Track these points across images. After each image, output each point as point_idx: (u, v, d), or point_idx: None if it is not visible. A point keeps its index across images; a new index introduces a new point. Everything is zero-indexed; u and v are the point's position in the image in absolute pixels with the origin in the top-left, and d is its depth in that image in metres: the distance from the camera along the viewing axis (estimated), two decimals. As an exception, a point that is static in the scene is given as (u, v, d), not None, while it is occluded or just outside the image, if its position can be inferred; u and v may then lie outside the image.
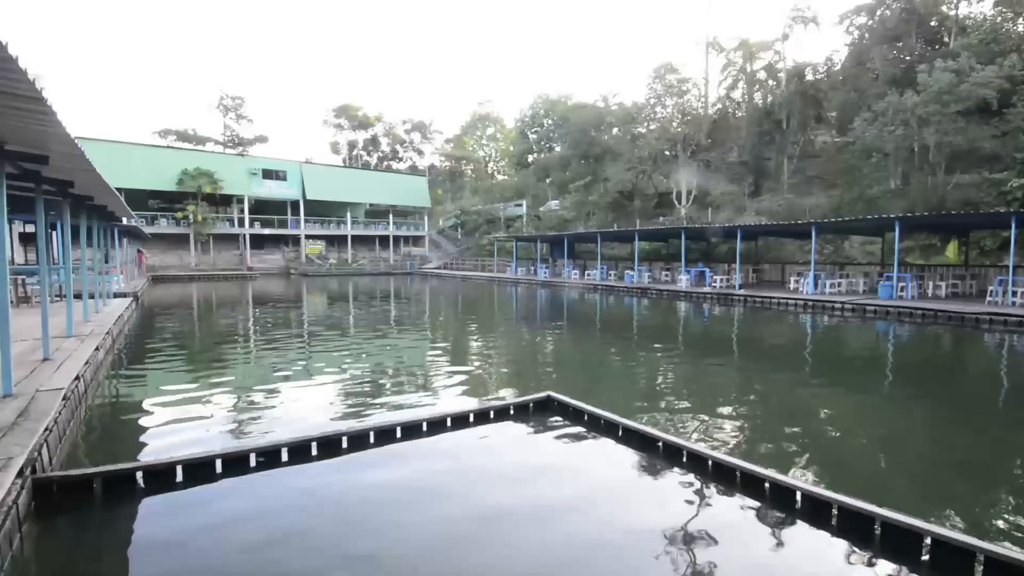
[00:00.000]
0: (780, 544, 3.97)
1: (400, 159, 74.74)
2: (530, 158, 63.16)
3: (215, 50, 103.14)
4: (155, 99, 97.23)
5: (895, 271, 18.96)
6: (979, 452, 6.07)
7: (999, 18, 32.47)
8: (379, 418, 6.68)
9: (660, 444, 5.50)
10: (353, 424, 6.31)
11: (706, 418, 7.06)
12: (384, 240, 52.67)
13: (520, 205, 54.61)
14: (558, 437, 6.18)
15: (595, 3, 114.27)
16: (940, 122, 24.92)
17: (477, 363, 11.28)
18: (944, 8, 35.01)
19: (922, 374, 10.38)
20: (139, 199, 40.12)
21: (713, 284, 24.24)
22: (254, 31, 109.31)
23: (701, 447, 5.29)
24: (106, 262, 18.88)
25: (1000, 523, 4.35)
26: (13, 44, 3.52)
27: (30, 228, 26.66)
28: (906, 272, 20.52)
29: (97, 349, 9.06)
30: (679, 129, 42.49)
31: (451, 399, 7.83)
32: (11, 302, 8.88)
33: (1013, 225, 16.00)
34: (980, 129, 25.92)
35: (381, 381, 9.30)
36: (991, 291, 16.95)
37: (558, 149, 58.29)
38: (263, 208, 47.49)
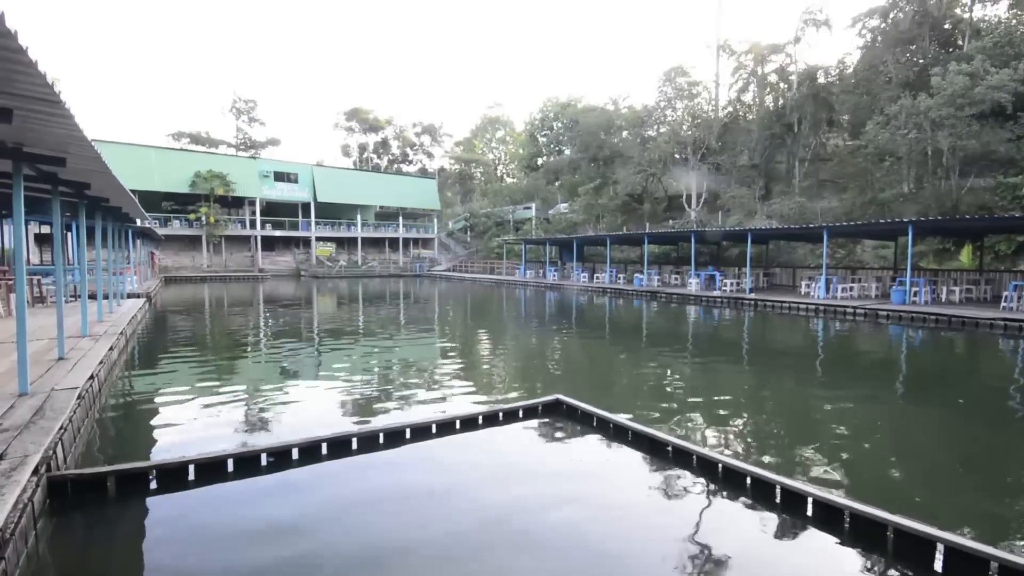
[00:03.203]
0: (791, 551, 3.94)
1: (410, 162, 75.12)
2: (539, 161, 63.19)
3: (229, 54, 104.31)
4: (169, 102, 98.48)
5: (908, 276, 18.77)
6: (994, 458, 5.99)
7: (1014, 21, 32.06)
8: (388, 419, 6.71)
9: (669, 448, 5.48)
10: (363, 425, 6.34)
11: (716, 422, 7.02)
12: (394, 242, 52.89)
13: (529, 208, 54.65)
14: (567, 440, 6.17)
15: (605, 6, 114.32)
16: (954, 126, 24.65)
17: (486, 365, 11.30)
18: (958, 11, 34.64)
19: (936, 380, 10.27)
20: (153, 201, 40.61)
21: (723, 288, 24.10)
22: (267, 35, 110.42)
23: (711, 451, 5.27)
24: (120, 263, 19.09)
25: (1016, 531, 4.29)
26: (33, 49, 3.59)
27: (45, 229, 27.06)
28: (919, 277, 20.30)
29: (111, 349, 9.17)
30: (689, 132, 42.31)
31: (460, 401, 7.84)
32: (27, 302, 9.01)
33: (1029, 230, 15.81)
34: (994, 133, 25.59)
35: (391, 383, 9.33)
36: (1006, 296, 16.73)
37: (567, 152, 58.25)
38: (274, 210, 47.91)
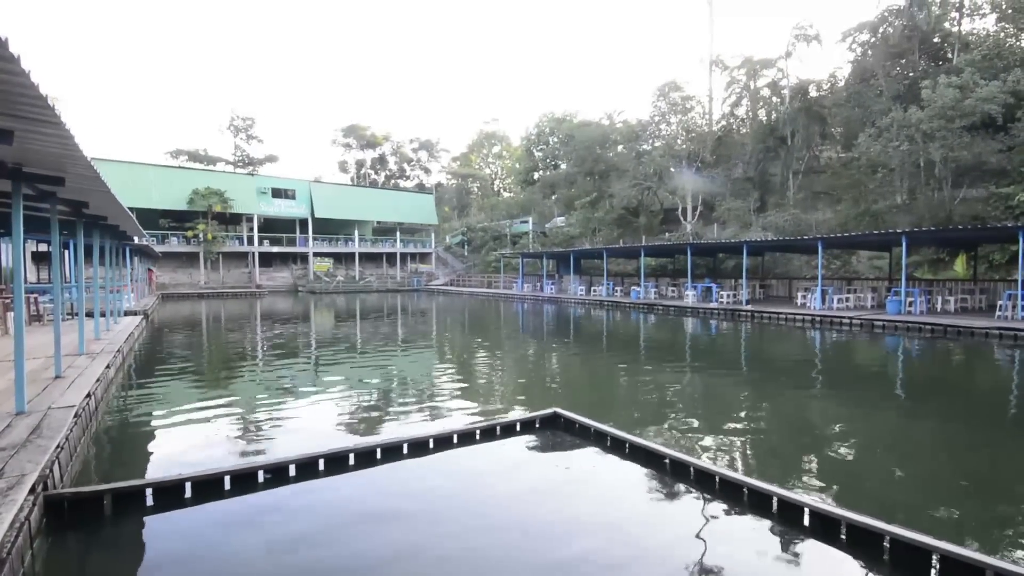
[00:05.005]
0: (788, 562, 3.95)
1: (407, 177, 75.55)
2: (536, 175, 63.59)
3: (227, 72, 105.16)
4: (168, 120, 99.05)
5: (903, 286, 18.86)
6: (990, 467, 6.01)
7: (1002, 34, 32.61)
8: (386, 435, 6.70)
9: (667, 461, 5.49)
10: (360, 441, 6.34)
11: (713, 434, 7.03)
12: (391, 257, 52.99)
13: (526, 222, 54.89)
14: (564, 453, 6.17)
15: (600, 23, 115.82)
16: (945, 137, 24.94)
17: (483, 379, 11.30)
18: (947, 25, 35.20)
19: (932, 389, 10.29)
20: (150, 218, 40.70)
21: (720, 300, 24.17)
22: (265, 53, 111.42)
23: (708, 464, 5.28)
24: (117, 281, 19.10)
25: (1011, 539, 4.31)
26: (34, 72, 3.66)
27: (42, 247, 27.07)
28: (914, 287, 20.40)
29: (108, 367, 9.16)
30: (684, 146, 42.71)
31: (458, 415, 7.84)
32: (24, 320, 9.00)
33: (1021, 239, 15.92)
34: (986, 144, 25.89)
35: (388, 398, 9.33)
36: (1000, 305, 16.82)
37: (563, 166, 58.68)
38: (272, 226, 48.02)
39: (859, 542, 3.95)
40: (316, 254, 48.21)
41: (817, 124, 36.69)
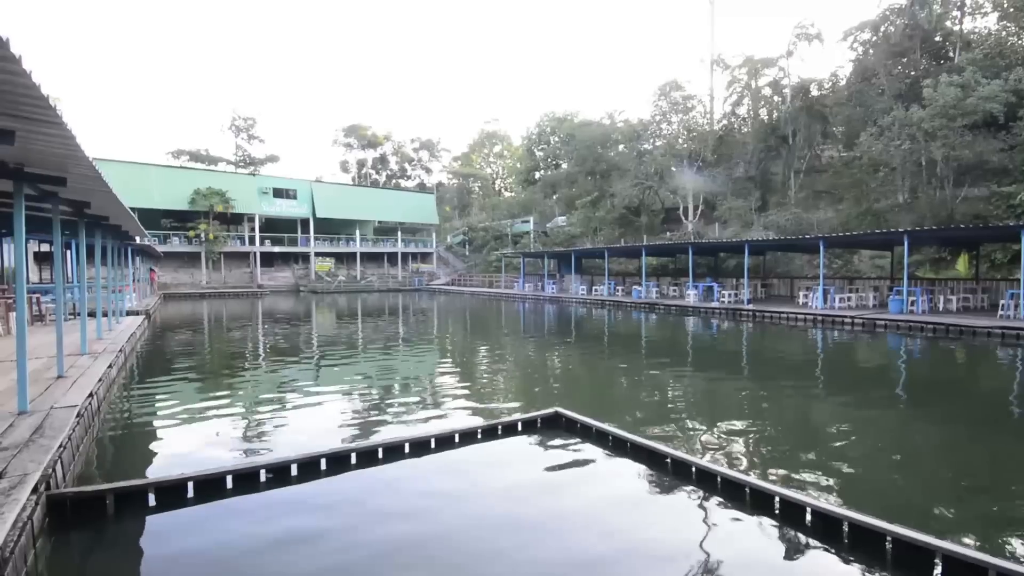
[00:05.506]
0: (790, 562, 3.94)
1: (408, 177, 75.52)
2: (537, 175, 63.52)
3: (228, 72, 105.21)
4: (169, 121, 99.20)
5: (905, 285, 18.84)
6: (993, 467, 6.00)
7: (1004, 32, 32.53)
8: (387, 434, 6.70)
9: (668, 460, 5.49)
10: (362, 440, 6.34)
11: (715, 434, 7.02)
12: (392, 257, 53.02)
13: (527, 221, 54.88)
14: (566, 453, 6.17)
15: (602, 22, 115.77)
16: (947, 136, 24.89)
17: (485, 379, 11.30)
18: (948, 23, 35.13)
19: (935, 389, 10.27)
20: (152, 218, 40.70)
21: (721, 299, 24.14)
22: (266, 53, 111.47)
23: (710, 463, 5.28)
24: (119, 281, 19.14)
25: (1014, 540, 4.30)
26: (36, 72, 3.66)
27: (44, 247, 27.11)
28: (916, 286, 20.36)
29: (110, 366, 9.18)
30: (685, 145, 42.66)
31: (459, 415, 7.84)
32: (26, 320, 9.02)
33: (1023, 238, 15.89)
34: (987, 143, 25.83)
35: (389, 398, 9.33)
36: (1002, 305, 16.80)
37: (564, 166, 58.62)
38: (273, 226, 48.06)
39: (861, 542, 3.94)
40: (317, 254, 48.25)
41: (818, 123, 36.63)
